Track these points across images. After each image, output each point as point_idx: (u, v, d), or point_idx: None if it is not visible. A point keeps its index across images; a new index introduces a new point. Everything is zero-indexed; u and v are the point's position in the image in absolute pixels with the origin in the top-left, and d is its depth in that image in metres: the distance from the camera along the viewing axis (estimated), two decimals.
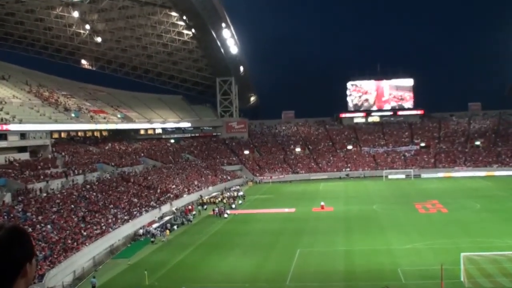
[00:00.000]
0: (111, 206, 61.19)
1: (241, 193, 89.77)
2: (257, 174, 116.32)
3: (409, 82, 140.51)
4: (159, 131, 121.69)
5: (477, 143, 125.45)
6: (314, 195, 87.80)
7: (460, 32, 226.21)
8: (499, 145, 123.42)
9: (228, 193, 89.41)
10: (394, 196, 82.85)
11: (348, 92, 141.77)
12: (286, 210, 73.10)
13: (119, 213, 59.66)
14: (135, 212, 62.36)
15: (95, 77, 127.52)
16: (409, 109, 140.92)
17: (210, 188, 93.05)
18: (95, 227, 52.14)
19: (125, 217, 59.25)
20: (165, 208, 70.85)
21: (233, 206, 77.50)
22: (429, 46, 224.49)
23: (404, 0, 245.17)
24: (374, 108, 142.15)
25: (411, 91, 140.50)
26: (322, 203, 73.29)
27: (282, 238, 54.85)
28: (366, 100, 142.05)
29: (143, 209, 65.14)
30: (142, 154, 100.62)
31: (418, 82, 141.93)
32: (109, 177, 74.75)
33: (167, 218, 66.45)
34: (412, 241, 49.65)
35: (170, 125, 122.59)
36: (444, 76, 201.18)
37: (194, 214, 71.13)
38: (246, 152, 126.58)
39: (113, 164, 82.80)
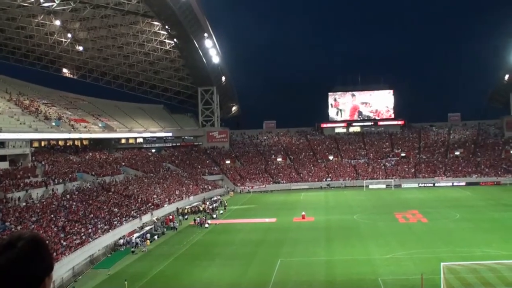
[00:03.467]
0: (91, 215, 60.50)
1: (220, 198, 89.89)
2: (239, 184, 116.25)
3: (390, 92, 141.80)
4: (140, 140, 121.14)
5: (457, 153, 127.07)
6: (295, 205, 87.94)
7: (441, 43, 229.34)
8: (478, 155, 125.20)
9: (209, 203, 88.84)
10: (374, 206, 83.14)
11: (329, 102, 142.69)
12: (267, 220, 72.91)
13: (99, 223, 58.99)
14: (115, 222, 61.76)
15: (76, 86, 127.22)
16: (389, 119, 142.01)
17: (191, 198, 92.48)
18: (75, 237, 51.46)
19: (105, 227, 58.64)
20: (146, 218, 70.27)
21: (214, 216, 77.26)
22: (410, 57, 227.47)
23: (385, 11, 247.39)
24: (355, 118, 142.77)
25: (391, 102, 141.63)
26: (303, 213, 73.25)
27: (263, 248, 54.68)
28: (347, 110, 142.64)
29: (124, 219, 64.55)
30: (123, 164, 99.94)
31: (399, 93, 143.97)
32: (89, 187, 74.00)
33: (147, 228, 65.95)
34: (393, 250, 49.74)
35: (151, 134, 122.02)
36: (425, 87, 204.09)
37: (175, 224, 70.71)
38: (228, 161, 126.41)
39: (93, 173, 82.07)
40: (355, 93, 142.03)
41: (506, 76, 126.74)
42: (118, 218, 63.90)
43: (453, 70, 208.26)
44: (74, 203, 63.17)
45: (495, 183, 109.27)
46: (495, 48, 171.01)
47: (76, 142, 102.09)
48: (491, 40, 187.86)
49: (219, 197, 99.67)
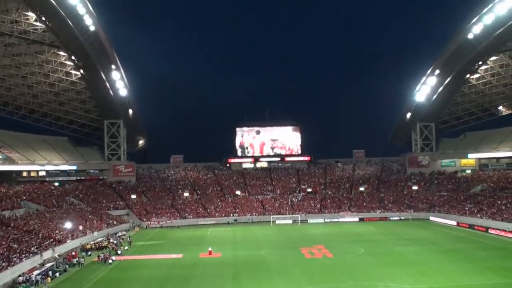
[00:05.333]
0: None
1: (125, 234, 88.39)
2: (144, 219, 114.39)
3: (297, 129, 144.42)
4: (42, 173, 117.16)
5: (361, 189, 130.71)
6: (202, 240, 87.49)
7: (346, 82, 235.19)
8: (381, 190, 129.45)
9: (114, 239, 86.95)
10: (281, 241, 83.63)
11: (236, 138, 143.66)
12: (173, 255, 71.86)
13: None
14: (14, 259, 58.93)
15: None
16: (296, 155, 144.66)
17: (95, 233, 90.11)
18: None
19: (4, 264, 55.74)
20: (47, 254, 67.58)
21: (119, 252, 75.28)
22: (316, 94, 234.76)
23: (291, 50, 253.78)
24: (263, 154, 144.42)
25: (298, 138, 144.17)
26: (210, 249, 72.64)
27: (169, 285, 53.50)
28: (255, 146, 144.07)
29: (24, 255, 61.67)
30: (24, 197, 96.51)
31: (306, 129, 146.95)
32: None
33: (48, 264, 63.40)
34: (299, 286, 49.86)
35: (54, 167, 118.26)
36: (330, 124, 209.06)
37: (78, 261, 68.28)
38: (133, 196, 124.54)
39: None
40: (262, 129, 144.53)
41: (408, 115, 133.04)
42: (18, 254, 61.01)
43: (357, 108, 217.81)
44: None
45: (378, 218, 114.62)
46: (399, 88, 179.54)
47: None
48: (396, 80, 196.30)
49: (124, 232, 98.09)
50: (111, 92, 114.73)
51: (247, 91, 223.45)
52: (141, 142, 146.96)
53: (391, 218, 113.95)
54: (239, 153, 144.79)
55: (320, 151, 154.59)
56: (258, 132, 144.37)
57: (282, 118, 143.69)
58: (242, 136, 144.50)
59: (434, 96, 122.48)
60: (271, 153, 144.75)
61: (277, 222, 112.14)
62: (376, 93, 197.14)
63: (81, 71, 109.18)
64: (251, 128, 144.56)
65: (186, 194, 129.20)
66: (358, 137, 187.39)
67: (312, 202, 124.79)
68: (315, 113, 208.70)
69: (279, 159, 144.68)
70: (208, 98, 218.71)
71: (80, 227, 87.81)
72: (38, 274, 57.55)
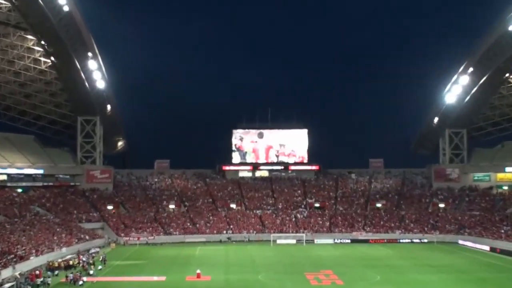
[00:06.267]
0: None
1: (99, 251, 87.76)
2: (122, 234, 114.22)
3: (304, 133, 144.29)
4: (3, 177, 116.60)
5: (378, 205, 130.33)
6: (189, 260, 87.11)
7: (361, 79, 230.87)
8: (402, 208, 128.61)
9: (86, 256, 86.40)
10: (282, 265, 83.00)
11: (233, 141, 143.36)
12: (155, 278, 71.30)
13: None
14: None
15: None
16: (303, 163, 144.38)
17: (64, 249, 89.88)
18: None
19: None
20: (6, 272, 67.44)
21: (91, 272, 74.60)
22: (326, 94, 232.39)
23: (301, 41, 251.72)
24: (263, 161, 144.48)
25: (306, 143, 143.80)
26: (198, 271, 72.01)
27: None
28: (256, 150, 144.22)
29: None
30: None
31: (314, 134, 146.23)
32: None
33: (7, 285, 63.20)
34: None
35: (17, 170, 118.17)
36: (343, 128, 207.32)
37: (43, 281, 68.12)
38: (110, 207, 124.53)
39: None
40: (263, 131, 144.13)
41: (435, 119, 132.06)
42: None
43: (376, 110, 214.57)
44: None
45: (398, 240, 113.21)
46: (425, 89, 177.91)
47: None
48: (421, 80, 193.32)
49: (98, 249, 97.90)
50: (87, 84, 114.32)
51: (245, 88, 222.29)
52: (120, 143, 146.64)
53: (413, 240, 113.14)
54: (235, 159, 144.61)
55: (330, 159, 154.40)
56: (261, 135, 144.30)
57: (287, 119, 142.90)
58: (241, 140, 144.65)
59: (467, 98, 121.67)
60: (274, 160, 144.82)
61: (278, 241, 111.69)
62: (398, 94, 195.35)
63: (52, 58, 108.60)
64: (249, 130, 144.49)
65: (171, 206, 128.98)
66: (375, 144, 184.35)
67: (320, 219, 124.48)
68: (325, 115, 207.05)
69: (282, 167, 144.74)
70: (199, 95, 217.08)
71: (46, 242, 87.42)
72: None
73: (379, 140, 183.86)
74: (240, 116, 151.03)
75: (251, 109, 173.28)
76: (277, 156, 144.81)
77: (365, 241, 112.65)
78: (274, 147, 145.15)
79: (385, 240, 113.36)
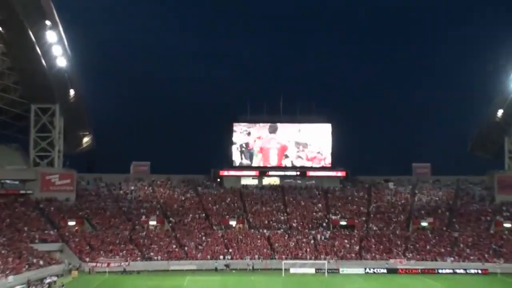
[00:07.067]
0: None
1: (55, 280, 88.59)
2: (87, 259, 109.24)
3: (327, 128, 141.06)
4: None
5: (424, 224, 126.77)
6: None
7: (403, 61, 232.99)
8: (455, 228, 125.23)
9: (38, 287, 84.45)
10: None
11: (234, 138, 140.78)
12: None
13: None
14: None
15: None
16: (324, 168, 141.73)
17: (11, 278, 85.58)
18: None
19: None
20: None
21: None
22: (356, 79, 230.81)
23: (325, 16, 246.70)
24: (274, 164, 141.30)
25: (329, 142, 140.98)
26: None
27: None
28: (262, 150, 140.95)
29: None
30: None
31: (340, 130, 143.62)
32: None
33: None
34: None
35: None
36: (377, 124, 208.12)
37: None
38: (72, 223, 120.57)
39: None
40: (274, 125, 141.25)
41: (500, 112, 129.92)
42: None
43: (419, 102, 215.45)
44: None
45: (451, 270, 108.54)
46: (483, 73, 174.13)
47: None
48: (478, 62, 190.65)
49: (54, 278, 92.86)
50: (43, 61, 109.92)
51: (249, 70, 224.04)
52: (86, 140, 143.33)
53: (469, 271, 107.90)
54: (236, 162, 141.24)
55: (360, 163, 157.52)
56: (273, 130, 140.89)
57: (305, 111, 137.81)
58: (249, 134, 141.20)
59: None
60: (286, 164, 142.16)
61: (291, 270, 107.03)
62: (449, 81, 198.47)
63: None
64: (255, 124, 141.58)
65: (152, 222, 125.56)
66: (420, 144, 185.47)
67: (347, 241, 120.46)
68: (354, 106, 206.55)
69: (297, 173, 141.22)
70: (189, 80, 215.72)
71: None
72: None
73: (426, 139, 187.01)
74: (243, 105, 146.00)
75: (257, 96, 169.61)
76: (290, 159, 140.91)
77: (406, 271, 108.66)
78: (289, 146, 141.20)
79: (435, 271, 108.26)
